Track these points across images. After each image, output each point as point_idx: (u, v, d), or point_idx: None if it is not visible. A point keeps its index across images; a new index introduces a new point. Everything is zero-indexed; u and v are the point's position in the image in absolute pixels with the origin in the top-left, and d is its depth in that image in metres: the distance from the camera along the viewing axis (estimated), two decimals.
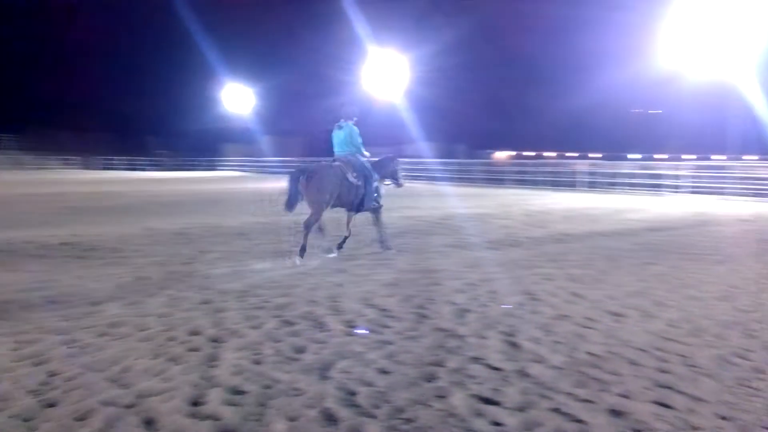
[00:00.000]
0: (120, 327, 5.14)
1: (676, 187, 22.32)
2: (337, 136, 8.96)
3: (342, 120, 8.90)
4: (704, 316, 5.64)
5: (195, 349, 4.62)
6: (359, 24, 42.54)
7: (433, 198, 20.51)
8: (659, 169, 26.73)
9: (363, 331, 5.17)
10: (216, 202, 18.53)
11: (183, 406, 3.61)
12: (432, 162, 35.52)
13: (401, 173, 9.95)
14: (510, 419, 3.46)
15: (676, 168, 24.00)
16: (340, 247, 8.96)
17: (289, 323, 5.33)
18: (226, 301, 6.06)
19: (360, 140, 8.91)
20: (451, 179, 30.82)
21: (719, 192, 21.40)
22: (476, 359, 4.43)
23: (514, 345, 4.77)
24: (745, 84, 27.09)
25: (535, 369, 4.24)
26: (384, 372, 4.16)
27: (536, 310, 5.80)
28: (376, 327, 5.22)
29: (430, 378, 4.06)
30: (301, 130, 59.61)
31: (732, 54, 26.17)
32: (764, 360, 4.45)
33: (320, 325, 5.27)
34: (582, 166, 27.32)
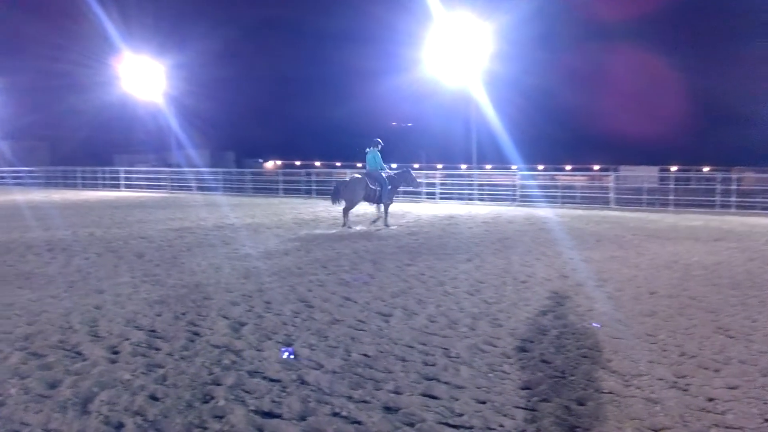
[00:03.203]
0: None
1: (431, 194, 24.51)
2: (368, 157, 14.34)
3: (371, 147, 14.24)
4: (458, 310, 6.28)
5: None
6: (112, 26, 39.42)
7: (201, 208, 19.77)
8: (416, 178, 29.09)
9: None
10: None
11: None
12: (200, 171, 34.21)
13: (415, 179, 15.41)
14: (292, 429, 3.48)
15: (430, 177, 26.37)
16: (374, 222, 14.46)
17: (37, 355, 4.71)
18: None
19: (381, 161, 14.31)
20: (220, 188, 30.04)
21: (465, 198, 24.05)
22: (254, 373, 4.37)
23: (291, 354, 4.80)
24: (482, 98, 31.07)
25: (312, 376, 4.32)
26: (155, 398, 3.89)
27: (311, 317, 5.92)
28: (145, 350, 4.86)
29: (207, 398, 3.90)
30: (49, 135, 53.14)
31: (471, 71, 29.70)
32: (510, 346, 5.10)
33: (77, 355, 4.75)
34: (348, 175, 28.54)
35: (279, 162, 77.91)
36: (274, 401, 3.86)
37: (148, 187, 33.33)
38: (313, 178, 29.89)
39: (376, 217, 14.59)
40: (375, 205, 14.71)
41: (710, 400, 3.97)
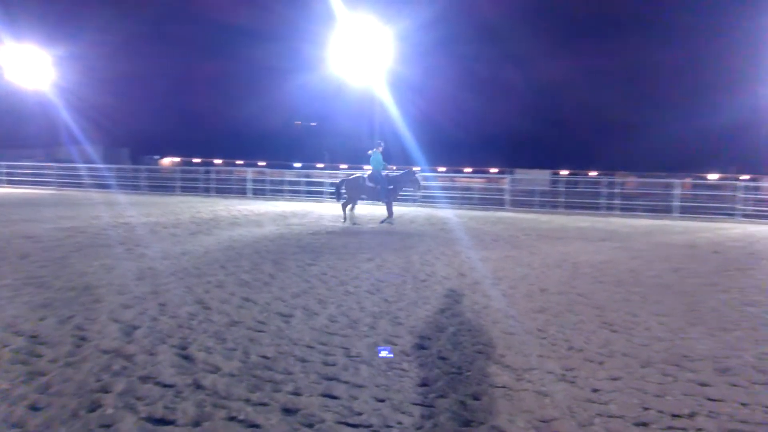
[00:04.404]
0: None
1: (333, 193, 24.49)
2: (371, 159, 15.29)
3: (374, 149, 15.25)
4: (358, 309, 6.33)
5: None
6: None
7: (94, 206, 18.69)
8: (319, 177, 29.03)
9: None
10: None
11: None
12: (92, 167, 32.26)
13: (418, 180, 15.77)
14: None
15: (333, 177, 26.36)
16: (382, 222, 15.40)
17: None
18: None
19: (381, 161, 15.21)
20: (113, 186, 28.52)
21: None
22: (146, 378, 4.19)
23: (186, 357, 4.65)
24: (385, 99, 31.55)
25: (209, 379, 4.20)
26: (36, 408, 3.64)
27: (208, 319, 5.76)
28: (26, 357, 4.53)
29: (94, 407, 3.70)
30: None
31: (375, 72, 30.05)
32: (410, 343, 5.20)
33: None
34: (249, 173, 27.98)
35: (176, 159, 75.14)
36: (167, 407, 3.73)
37: (34, 183, 31.08)
38: (213, 176, 29.07)
39: (385, 217, 15.88)
40: (378, 202, 16.44)
41: (595, 391, 4.24)
